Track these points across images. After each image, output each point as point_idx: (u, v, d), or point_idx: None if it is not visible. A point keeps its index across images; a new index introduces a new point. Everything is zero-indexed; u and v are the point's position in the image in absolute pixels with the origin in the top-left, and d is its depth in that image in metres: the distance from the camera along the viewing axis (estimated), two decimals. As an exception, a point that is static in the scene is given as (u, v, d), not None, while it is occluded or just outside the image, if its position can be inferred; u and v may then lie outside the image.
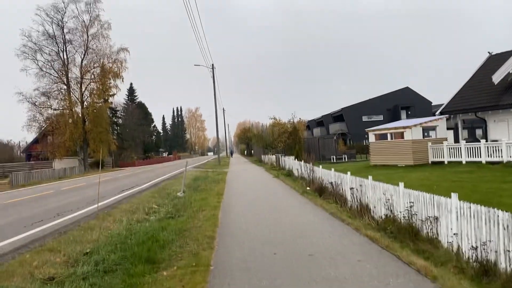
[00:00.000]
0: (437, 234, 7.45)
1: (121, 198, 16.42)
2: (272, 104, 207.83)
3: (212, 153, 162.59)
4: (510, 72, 22.87)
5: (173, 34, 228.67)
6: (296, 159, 27.19)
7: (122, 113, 76.58)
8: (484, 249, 5.98)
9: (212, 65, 49.63)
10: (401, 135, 25.23)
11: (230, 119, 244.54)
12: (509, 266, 5.53)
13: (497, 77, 23.48)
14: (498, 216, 5.80)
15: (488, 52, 28.32)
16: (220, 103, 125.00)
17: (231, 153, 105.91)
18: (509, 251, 5.50)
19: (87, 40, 50.88)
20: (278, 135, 41.64)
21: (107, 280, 5.99)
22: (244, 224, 9.97)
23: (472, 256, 6.22)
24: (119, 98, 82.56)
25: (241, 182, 22.69)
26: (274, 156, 38.21)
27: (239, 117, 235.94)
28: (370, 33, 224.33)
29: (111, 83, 52.35)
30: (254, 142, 56.96)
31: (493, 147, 20.81)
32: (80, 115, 50.60)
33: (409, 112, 63.11)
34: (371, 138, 27.98)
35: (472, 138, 31.17)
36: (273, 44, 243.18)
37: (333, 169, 15.29)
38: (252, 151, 77.16)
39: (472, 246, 6.20)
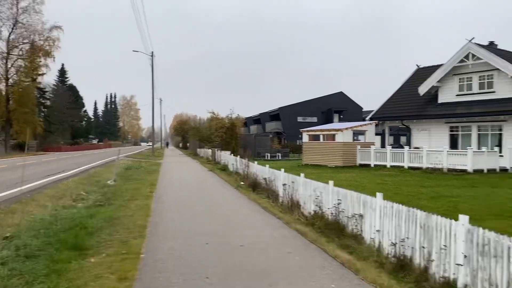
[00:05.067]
0: (361, 230, 7.91)
1: (46, 183, 15.56)
2: (211, 98, 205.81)
3: (145, 144, 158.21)
4: (435, 85, 24.72)
5: (112, 16, 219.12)
6: (232, 154, 27.33)
7: (51, 95, 72.02)
8: (402, 245, 6.47)
9: (152, 52, 48.37)
10: (333, 137, 26.32)
11: (167, 110, 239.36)
12: (423, 261, 6.04)
13: (422, 89, 25.27)
14: (416, 215, 6.31)
15: (416, 65, 30.37)
16: (158, 93, 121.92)
17: (166, 145, 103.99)
18: (423, 247, 6.01)
19: (17, 13, 47.33)
20: (216, 129, 41.55)
21: (28, 266, 5.68)
22: (177, 214, 9.91)
23: (391, 251, 6.71)
24: (48, 79, 77.69)
25: (175, 173, 22.41)
26: (210, 150, 38.10)
27: (177, 109, 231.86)
28: (312, 37, 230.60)
29: (41, 61, 49.31)
30: (191, 135, 56.33)
31: (415, 153, 22.40)
32: (3, 93, 46.97)
33: (342, 116, 65.76)
34: (305, 138, 28.89)
35: (397, 144, 33.27)
36: (216, 40, 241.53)
37: (267, 166, 15.61)
38: (188, 144, 76.26)
39: (392, 243, 6.68)
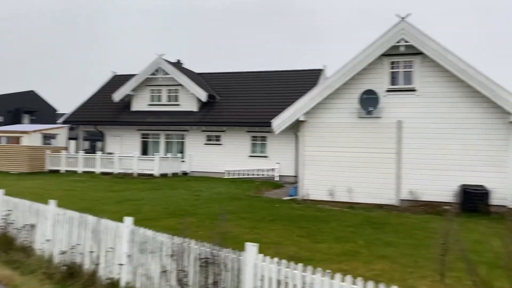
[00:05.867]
0: (33, 241, 7.35)
1: None
2: None
3: None
4: (129, 93, 25.84)
5: None
6: None
7: None
8: (72, 252, 6.35)
9: None
10: (18, 140, 23.59)
11: None
12: (92, 266, 6.10)
13: (117, 96, 25.93)
14: (87, 221, 6.33)
15: (113, 72, 30.87)
16: None
17: None
18: (92, 252, 6.08)
19: None
20: None
21: None
22: None
23: (62, 260, 6.48)
24: None
25: None
26: None
27: None
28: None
29: None
30: None
31: (107, 159, 22.66)
32: None
33: (34, 118, 59.88)
34: (-18, 140, 24.68)
35: (93, 149, 32.83)
36: None
37: None
38: None
39: (62, 251, 6.47)
